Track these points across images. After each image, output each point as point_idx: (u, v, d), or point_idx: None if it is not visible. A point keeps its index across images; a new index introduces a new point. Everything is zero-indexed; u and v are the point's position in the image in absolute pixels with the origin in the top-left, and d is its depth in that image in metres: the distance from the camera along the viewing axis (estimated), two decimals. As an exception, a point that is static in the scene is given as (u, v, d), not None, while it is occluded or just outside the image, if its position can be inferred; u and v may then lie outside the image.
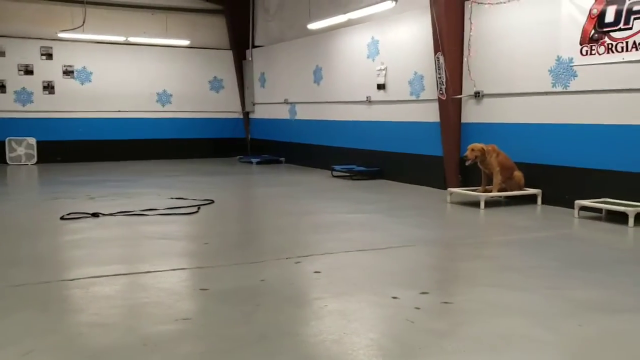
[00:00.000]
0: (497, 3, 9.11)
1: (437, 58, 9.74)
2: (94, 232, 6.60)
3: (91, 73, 15.81)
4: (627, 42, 7.36)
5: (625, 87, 7.46)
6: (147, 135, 16.60)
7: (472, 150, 8.53)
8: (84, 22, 14.28)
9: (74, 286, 4.53)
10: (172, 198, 9.06)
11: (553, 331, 3.58)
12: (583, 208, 7.61)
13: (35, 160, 15.08)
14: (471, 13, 9.54)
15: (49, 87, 15.42)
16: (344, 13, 11.60)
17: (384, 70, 11.69)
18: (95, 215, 7.51)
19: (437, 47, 9.70)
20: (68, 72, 15.59)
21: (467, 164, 8.67)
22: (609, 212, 7.51)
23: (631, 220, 6.92)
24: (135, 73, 16.30)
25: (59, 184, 11.13)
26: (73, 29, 14.47)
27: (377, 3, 10.53)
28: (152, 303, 4.12)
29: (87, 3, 14.59)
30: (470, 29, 9.57)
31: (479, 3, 9.42)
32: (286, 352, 3.27)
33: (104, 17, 15.56)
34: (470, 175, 9.28)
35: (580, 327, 3.66)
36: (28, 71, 15.22)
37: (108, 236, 6.41)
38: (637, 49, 7.26)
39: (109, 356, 3.22)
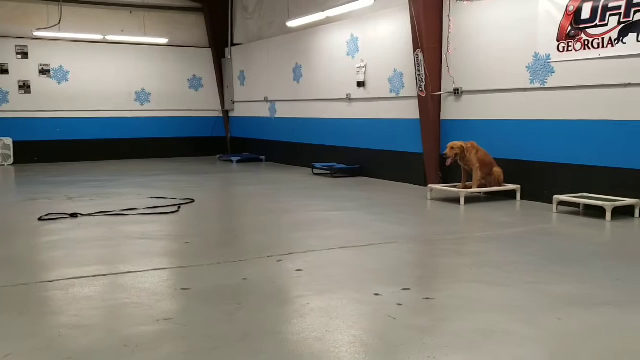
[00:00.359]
0: (475, 0, 9.17)
1: (417, 55, 9.79)
2: (73, 233, 6.54)
3: (68, 72, 15.64)
4: (602, 39, 7.45)
5: (601, 83, 7.56)
6: (125, 135, 16.46)
7: (452, 148, 8.58)
8: (60, 20, 14.13)
9: (53, 287, 4.48)
10: (152, 198, 9.01)
11: (533, 326, 3.62)
12: (561, 203, 7.70)
13: (12, 160, 14.89)
14: (450, 10, 9.60)
15: (24, 87, 15.22)
16: (323, 11, 11.60)
17: (363, 67, 11.71)
18: (74, 215, 7.44)
19: (416, 44, 9.74)
20: (44, 71, 15.41)
21: (447, 163, 8.72)
22: (586, 206, 7.61)
23: (608, 215, 7.02)
24: (113, 72, 16.16)
25: (37, 184, 11.00)
26: (49, 28, 14.30)
27: (355, 0, 10.54)
28: (132, 303, 4.09)
29: (64, 1, 14.45)
30: (449, 26, 9.63)
31: (457, 0, 9.48)
32: (269, 351, 3.26)
33: (81, 16, 15.40)
34: (450, 171, 9.34)
35: (560, 321, 3.70)
36: (3, 70, 15.01)
37: (87, 237, 6.36)
38: (612, 45, 7.35)
39: (89, 358, 3.19)
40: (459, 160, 8.67)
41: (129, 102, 16.49)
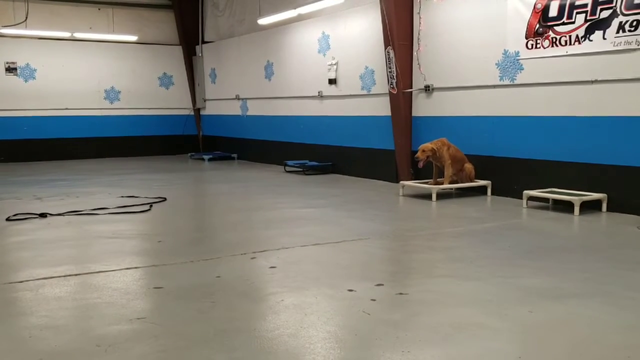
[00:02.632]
0: (445, -2, 9.25)
1: (388, 52, 9.83)
2: (42, 233, 6.43)
3: (35, 70, 15.37)
4: (570, 36, 7.57)
5: (569, 79, 7.68)
6: (95, 133, 16.25)
7: (423, 151, 8.63)
8: (26, 17, 13.86)
9: (23, 288, 4.41)
10: (123, 196, 8.92)
11: (505, 318, 3.67)
12: (531, 198, 7.81)
13: (-23, 160, 14.62)
14: (420, 7, 9.66)
15: (-10, 85, 14.95)
16: (294, 8, 11.58)
17: (335, 65, 11.73)
18: (43, 215, 7.32)
19: (387, 41, 9.79)
20: (11, 69, 15.11)
21: (419, 166, 8.77)
22: (555, 201, 7.74)
23: (577, 209, 7.14)
24: (81, 69, 15.92)
25: (4, 184, 10.79)
26: (15, 25, 14.03)
27: (327, -2, 10.57)
28: (105, 303, 4.04)
29: (30, -2, 14.19)
30: (420, 23, 9.69)
31: (427, -2, 9.55)
32: (243, 348, 3.25)
33: (48, 12, 15.16)
34: (422, 168, 9.39)
35: (531, 314, 3.76)
36: (-32, 68, 14.73)
37: (57, 237, 6.26)
38: (579, 43, 7.47)
39: (61, 359, 3.15)
40: (431, 159, 8.73)
41: (98, 101, 16.27)
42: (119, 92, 16.54)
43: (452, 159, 8.67)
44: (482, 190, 8.87)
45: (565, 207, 7.49)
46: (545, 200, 7.84)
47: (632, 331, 3.49)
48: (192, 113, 17.66)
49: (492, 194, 8.76)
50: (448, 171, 8.66)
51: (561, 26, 7.66)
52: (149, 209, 7.89)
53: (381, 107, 10.54)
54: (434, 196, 8.43)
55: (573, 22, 7.52)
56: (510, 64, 8.38)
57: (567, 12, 7.57)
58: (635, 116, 7.05)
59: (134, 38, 15.94)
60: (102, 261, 5.20)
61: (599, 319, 3.69)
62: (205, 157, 15.51)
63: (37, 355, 3.18)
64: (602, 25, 7.21)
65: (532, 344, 3.33)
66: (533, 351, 3.22)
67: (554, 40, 7.75)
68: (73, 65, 15.80)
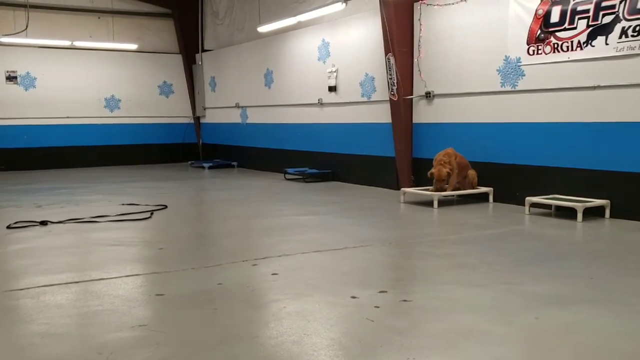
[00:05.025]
0: (445, 4, 9.25)
1: (388, 59, 9.83)
2: (43, 241, 6.40)
3: (35, 78, 15.36)
4: (572, 42, 7.56)
5: (571, 85, 7.67)
6: (95, 142, 16.22)
7: (442, 180, 8.48)
8: (26, 26, 13.84)
9: (23, 296, 4.37)
10: (123, 204, 8.88)
11: (510, 325, 3.64)
12: (533, 204, 7.78)
13: (-23, 169, 14.59)
14: (420, 14, 9.66)
15: (-9, 93, 14.94)
16: (294, 16, 11.58)
17: (335, 72, 11.72)
18: (43, 223, 7.29)
19: (388, 48, 9.78)
20: (11, 78, 15.10)
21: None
22: (558, 208, 7.70)
23: (579, 216, 7.11)
24: (82, 78, 15.91)
25: (4, 192, 10.76)
26: (16, 33, 14.02)
27: (326, 5, 10.55)
28: (106, 310, 4.00)
29: (30, 6, 14.16)
30: (420, 30, 9.69)
31: (428, 4, 9.55)
32: (246, 356, 3.22)
33: (48, 21, 15.17)
34: (423, 175, 9.37)
35: (537, 320, 3.72)
36: (-32, 77, 14.72)
37: (58, 244, 6.23)
38: (581, 49, 7.47)
39: (63, 366, 3.12)
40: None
41: (98, 109, 16.26)
42: (119, 100, 16.53)
43: (458, 166, 8.64)
44: (483, 197, 8.84)
45: (568, 213, 7.46)
46: (548, 206, 7.81)
47: (638, 337, 3.46)
48: (192, 121, 17.66)
49: (494, 200, 8.73)
50: (454, 179, 8.61)
51: (563, 32, 7.65)
52: (150, 217, 7.86)
53: (382, 114, 10.52)
54: (435, 203, 8.39)
55: (575, 28, 7.51)
56: (511, 70, 8.37)
57: (568, 18, 7.56)
58: (639, 122, 7.02)
59: (134, 46, 15.95)
60: (103, 268, 5.16)
61: (605, 326, 3.66)
62: (205, 165, 15.49)
63: (37, 364, 3.15)
64: (604, 30, 7.20)
65: (538, 350, 3.29)
66: (539, 358, 3.19)
67: (556, 46, 7.75)
68: (73, 74, 15.80)
